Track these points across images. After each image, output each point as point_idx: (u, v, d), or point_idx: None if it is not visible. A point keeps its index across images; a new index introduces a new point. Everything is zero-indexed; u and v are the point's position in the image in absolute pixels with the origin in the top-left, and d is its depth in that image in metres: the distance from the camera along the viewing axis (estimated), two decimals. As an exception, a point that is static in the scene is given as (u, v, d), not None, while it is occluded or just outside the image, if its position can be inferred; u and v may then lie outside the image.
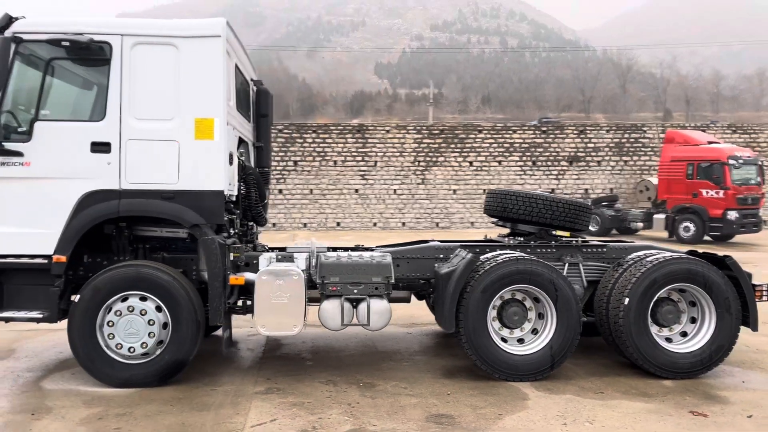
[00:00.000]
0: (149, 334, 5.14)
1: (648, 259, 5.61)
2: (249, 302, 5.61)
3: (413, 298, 6.48)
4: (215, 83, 5.23)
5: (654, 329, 5.60)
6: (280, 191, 25.73)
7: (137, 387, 5.14)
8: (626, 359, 5.66)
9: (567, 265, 5.96)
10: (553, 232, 6.20)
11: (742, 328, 5.51)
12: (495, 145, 26.66)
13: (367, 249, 6.32)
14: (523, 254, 5.66)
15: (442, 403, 4.86)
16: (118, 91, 5.16)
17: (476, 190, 26.33)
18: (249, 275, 5.37)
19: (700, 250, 5.87)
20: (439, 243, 6.19)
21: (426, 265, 6.02)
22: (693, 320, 5.66)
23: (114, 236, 5.58)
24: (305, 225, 25.74)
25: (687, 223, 19.66)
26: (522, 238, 6.36)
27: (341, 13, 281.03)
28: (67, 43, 5.01)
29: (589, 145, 26.88)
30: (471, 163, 26.58)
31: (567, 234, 6.23)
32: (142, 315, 5.12)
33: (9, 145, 5.06)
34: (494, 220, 6.67)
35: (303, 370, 5.76)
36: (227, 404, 4.83)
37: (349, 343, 6.83)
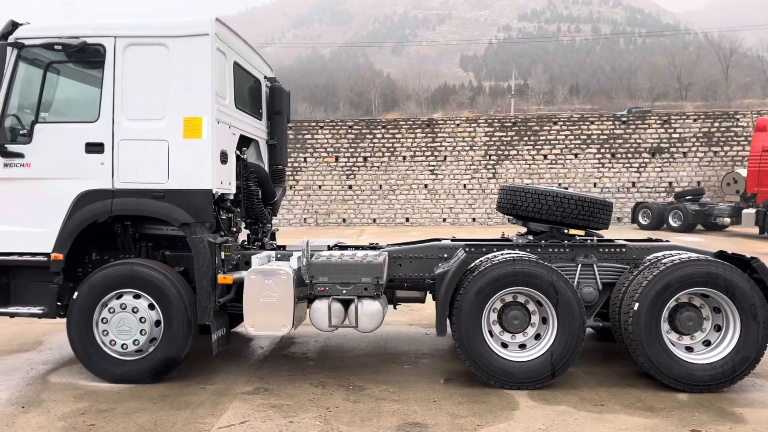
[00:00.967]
0: (141, 332, 5.22)
1: (664, 261, 5.11)
2: None
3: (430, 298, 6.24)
4: (203, 81, 5.22)
5: (673, 337, 5.12)
6: (350, 187, 25.92)
7: (131, 383, 5.24)
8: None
9: (580, 266, 5.54)
10: (566, 231, 5.79)
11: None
12: (571, 137, 25.63)
13: (373, 248, 6.15)
14: (522, 254, 5.30)
15: (423, 410, 4.64)
16: (111, 92, 5.27)
17: (551, 185, 25.40)
18: (238, 274, 5.35)
19: (730, 251, 5.31)
20: (444, 242, 5.94)
21: (429, 264, 5.79)
22: (718, 328, 5.12)
23: (119, 234, 5.73)
24: (374, 221, 25.80)
25: (780, 218, 18.07)
26: (531, 237, 5.98)
27: (428, 7, 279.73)
28: (59, 47, 5.18)
29: (674, 135, 25.29)
30: (545, 156, 25.70)
31: (582, 233, 5.80)
32: (134, 312, 5.21)
33: (11, 147, 5.28)
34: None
35: (300, 371, 5.68)
36: (208, 403, 4.82)
37: (360, 343, 6.70)
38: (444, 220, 25.73)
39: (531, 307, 5.25)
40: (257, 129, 6.54)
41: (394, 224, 25.43)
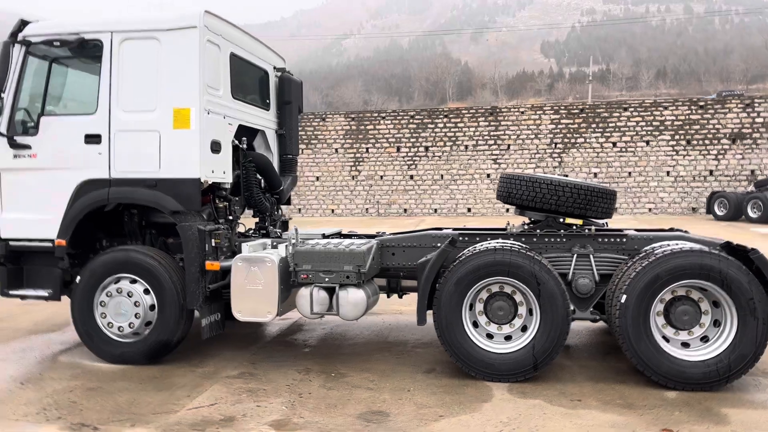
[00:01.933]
0: (135, 315, 5.44)
1: (656, 251, 4.81)
2: None
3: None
4: (191, 73, 5.35)
5: (669, 332, 4.82)
6: (411, 177, 25.85)
7: (129, 364, 5.48)
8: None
9: (575, 256, 5.31)
10: (562, 220, 5.55)
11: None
12: (643, 123, 24.41)
13: (371, 236, 6.13)
14: (506, 244, 5.13)
15: (393, 399, 4.60)
16: (108, 85, 5.50)
17: (620, 174, 24.40)
18: (226, 262, 5.47)
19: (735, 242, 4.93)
20: (438, 231, 5.84)
21: (423, 253, 5.69)
22: (717, 324, 4.77)
23: (126, 222, 5.99)
24: (435, 211, 25.65)
25: None
26: (526, 226, 5.78)
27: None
28: (58, 43, 5.46)
29: (757, 120, 23.62)
30: (614, 144, 24.64)
31: (580, 222, 5.54)
32: (129, 297, 5.45)
33: (19, 139, 5.62)
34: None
35: (292, 357, 5.76)
36: (189, 386, 4.98)
37: (364, 331, 6.71)
38: (507, 210, 25.22)
39: (518, 298, 5.08)
40: (263, 119, 6.64)
41: (456, 214, 25.19)
